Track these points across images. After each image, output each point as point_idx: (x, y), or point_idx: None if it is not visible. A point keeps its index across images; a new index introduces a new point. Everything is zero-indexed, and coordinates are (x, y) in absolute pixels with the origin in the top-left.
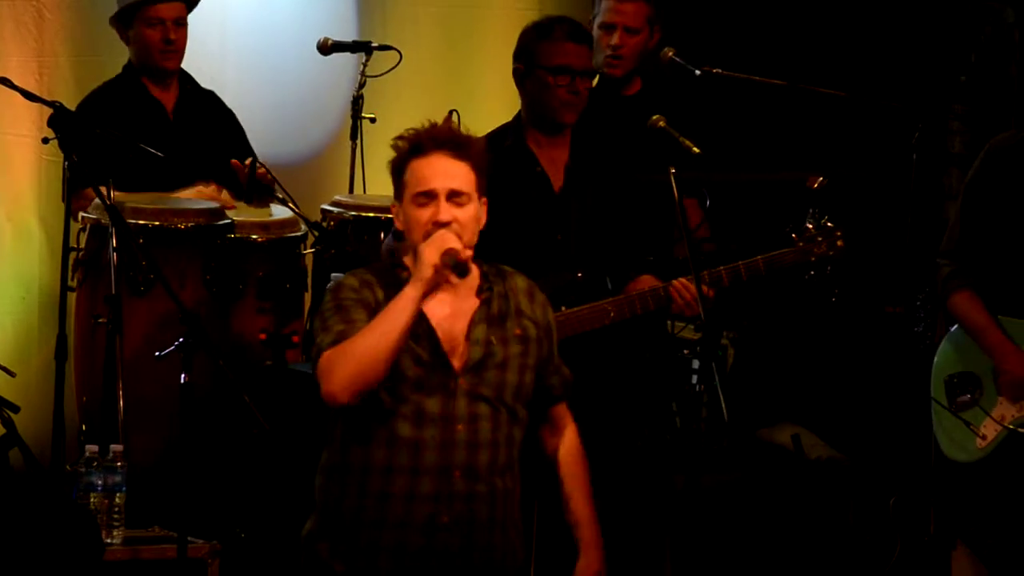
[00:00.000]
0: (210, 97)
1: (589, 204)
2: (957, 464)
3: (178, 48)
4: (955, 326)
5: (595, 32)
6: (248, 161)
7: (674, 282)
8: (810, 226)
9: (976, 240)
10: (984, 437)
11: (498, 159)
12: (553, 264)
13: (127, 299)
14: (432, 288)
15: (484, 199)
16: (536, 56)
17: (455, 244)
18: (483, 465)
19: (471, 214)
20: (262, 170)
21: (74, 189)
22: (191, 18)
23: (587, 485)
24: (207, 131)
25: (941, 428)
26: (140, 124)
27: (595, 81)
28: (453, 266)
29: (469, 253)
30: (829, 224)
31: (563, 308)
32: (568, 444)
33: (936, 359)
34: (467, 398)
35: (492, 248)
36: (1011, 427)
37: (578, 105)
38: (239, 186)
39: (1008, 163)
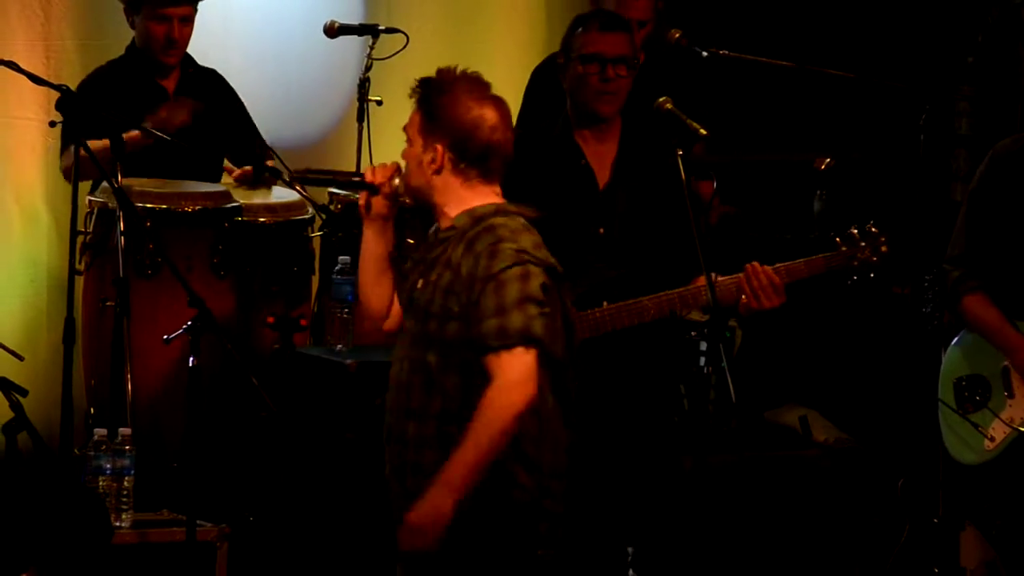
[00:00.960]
0: (212, 76)
1: (637, 198)
2: (965, 466)
3: (181, 47)
4: (962, 330)
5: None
6: (248, 169)
7: (748, 266)
8: (854, 231)
9: (982, 247)
10: (993, 439)
11: (544, 150)
12: (594, 258)
13: (135, 282)
14: (375, 221)
15: (438, 144)
16: (571, 47)
17: (371, 176)
18: (402, 407)
19: (411, 154)
20: (272, 162)
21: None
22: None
23: (466, 442)
24: (210, 111)
25: (949, 430)
26: (142, 106)
27: (635, 70)
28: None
29: (393, 187)
30: (874, 229)
31: (605, 303)
32: (482, 398)
33: (944, 362)
34: (408, 338)
35: None
36: (1021, 429)
37: (614, 95)
38: (247, 162)
39: (1012, 169)
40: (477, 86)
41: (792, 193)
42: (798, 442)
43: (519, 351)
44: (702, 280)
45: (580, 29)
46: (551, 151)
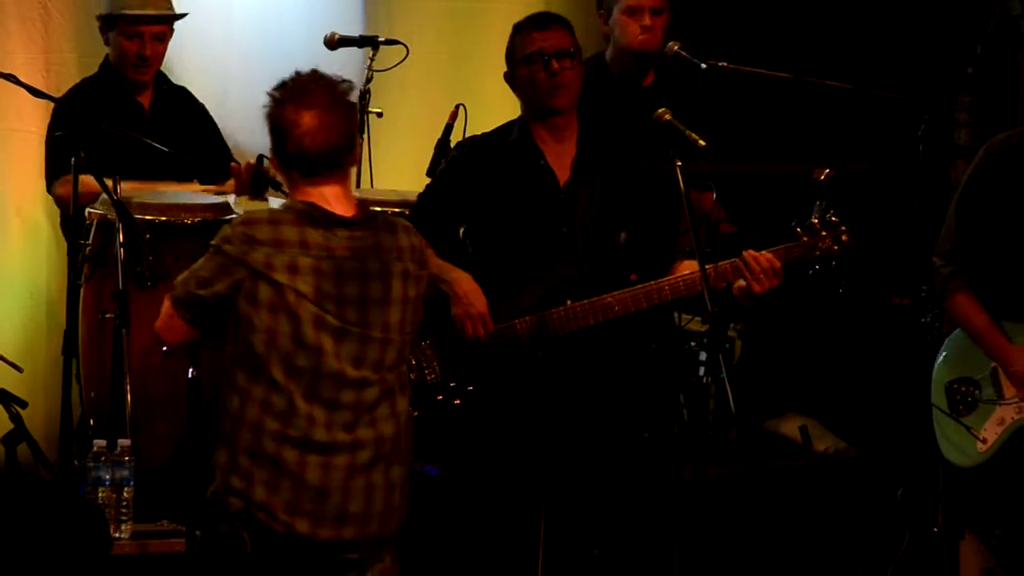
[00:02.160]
0: (183, 94)
1: (597, 197)
2: (960, 469)
3: (152, 64)
4: (952, 332)
5: (617, 20)
6: (250, 163)
7: (744, 253)
8: (815, 220)
9: (973, 242)
10: (985, 440)
11: (503, 153)
12: (559, 257)
13: (134, 294)
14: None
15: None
16: (513, 54)
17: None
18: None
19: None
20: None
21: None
22: (198, 13)
23: None
24: (183, 128)
25: (943, 434)
26: (119, 122)
27: (576, 61)
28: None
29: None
30: (834, 219)
31: (568, 302)
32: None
33: (936, 366)
34: None
35: (498, 240)
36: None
37: (565, 87)
38: (216, 177)
39: (1006, 165)
40: (306, 91)
41: (791, 204)
42: (798, 452)
43: (166, 301)
44: (675, 271)
45: (517, 34)
46: (511, 154)
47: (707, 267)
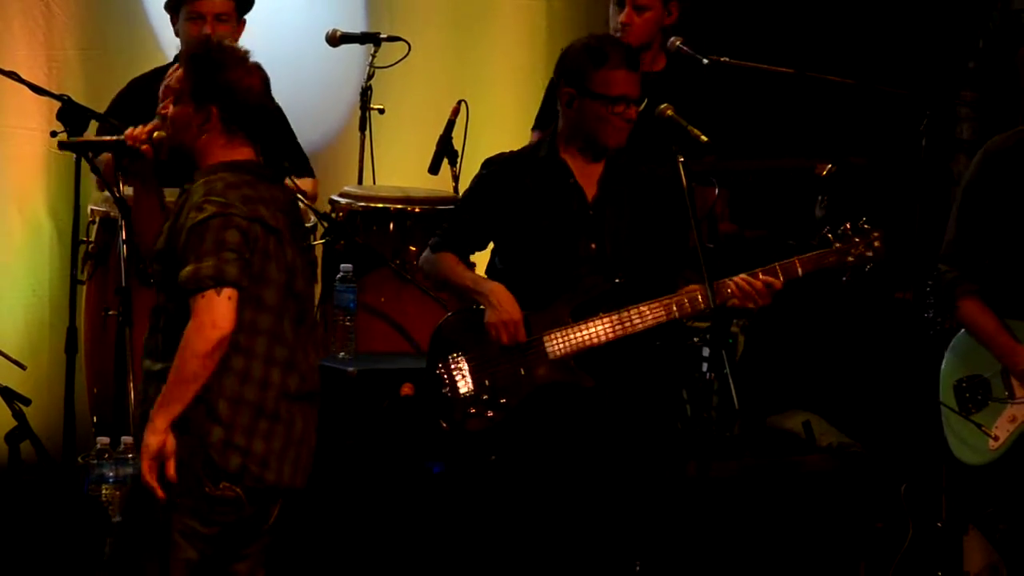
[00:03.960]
0: None
1: (625, 213)
2: (969, 467)
3: None
4: (960, 332)
5: (609, 6)
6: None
7: (738, 280)
8: (847, 227)
9: (975, 244)
10: (996, 438)
11: (531, 171)
12: (589, 273)
13: (137, 291)
14: (135, 179)
15: (206, 107)
16: (590, 83)
17: (130, 131)
18: (146, 345)
19: (181, 113)
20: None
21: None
22: None
23: (167, 383)
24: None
25: (952, 433)
26: None
27: (643, 106)
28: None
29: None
30: (866, 226)
31: (601, 314)
32: (182, 339)
33: (943, 365)
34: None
35: (527, 257)
36: None
37: (628, 131)
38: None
39: (1006, 166)
40: (244, 57)
41: (793, 199)
42: (801, 447)
43: (210, 295)
44: (691, 287)
45: (601, 66)
46: (539, 172)
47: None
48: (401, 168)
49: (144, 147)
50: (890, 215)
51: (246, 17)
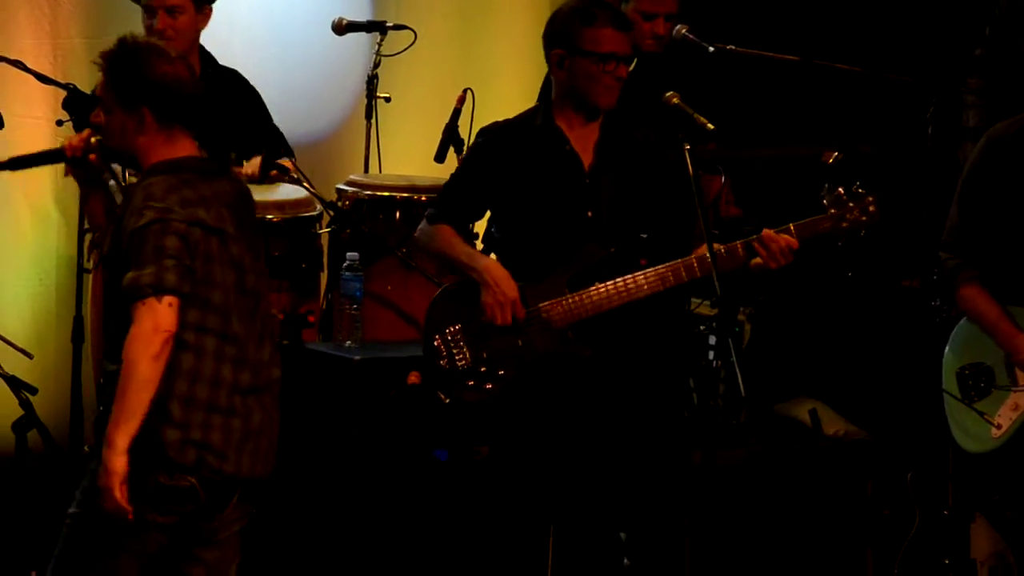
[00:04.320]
0: (233, 76)
1: (621, 180)
2: (973, 455)
3: (170, 37)
4: (962, 319)
5: (631, 14)
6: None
7: (764, 232)
8: (840, 191)
9: (977, 231)
10: (1000, 426)
11: (527, 139)
12: (585, 241)
13: None
14: (84, 186)
15: (138, 109)
16: (580, 42)
17: (69, 151)
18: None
19: (114, 120)
20: (285, 162)
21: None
22: None
23: (116, 397)
24: (231, 110)
25: (954, 421)
26: None
27: (632, 65)
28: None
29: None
30: (860, 190)
31: (597, 284)
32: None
33: (946, 354)
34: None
35: (524, 226)
36: None
37: (618, 90)
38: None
39: (1008, 153)
40: (163, 50)
41: (799, 187)
42: (808, 435)
43: (151, 302)
44: (700, 251)
45: (589, 24)
46: (535, 140)
47: (722, 247)
48: (407, 156)
49: (91, 156)
50: (896, 203)
51: (251, 6)
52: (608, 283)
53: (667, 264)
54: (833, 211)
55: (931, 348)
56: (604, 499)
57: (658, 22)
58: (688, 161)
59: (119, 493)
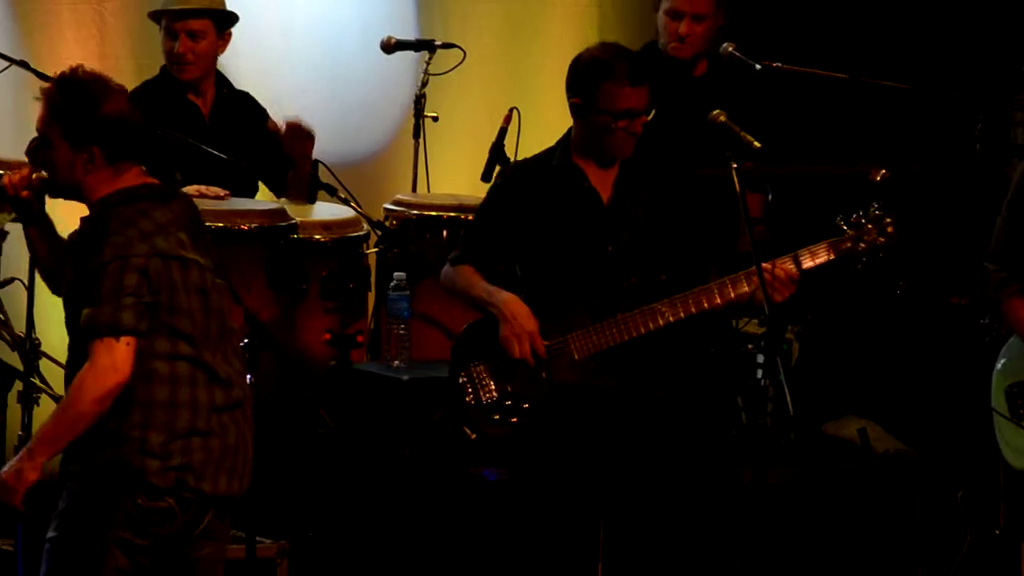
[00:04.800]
0: (245, 99)
1: (641, 213)
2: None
3: (190, 61)
4: (1012, 338)
5: (660, 16)
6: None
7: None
8: (860, 214)
9: (1022, 245)
10: None
11: (545, 178)
12: (606, 274)
13: None
14: (30, 224)
15: (87, 148)
16: (597, 96)
17: (11, 189)
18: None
19: (60, 157)
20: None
21: None
22: (254, 21)
23: (52, 416)
24: (243, 133)
25: (1004, 439)
26: (176, 126)
27: (651, 116)
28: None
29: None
30: (878, 212)
31: (619, 315)
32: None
33: (995, 370)
34: None
35: (545, 263)
36: None
37: (634, 141)
38: (280, 183)
39: None
40: (107, 84)
41: (847, 205)
42: (857, 454)
43: (109, 341)
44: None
45: (607, 79)
46: (554, 178)
47: (723, 281)
48: (454, 176)
49: (24, 193)
50: (945, 220)
51: (301, 26)
52: (629, 314)
53: (688, 292)
54: (851, 233)
55: (980, 366)
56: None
57: (684, 22)
58: (735, 179)
59: (20, 498)
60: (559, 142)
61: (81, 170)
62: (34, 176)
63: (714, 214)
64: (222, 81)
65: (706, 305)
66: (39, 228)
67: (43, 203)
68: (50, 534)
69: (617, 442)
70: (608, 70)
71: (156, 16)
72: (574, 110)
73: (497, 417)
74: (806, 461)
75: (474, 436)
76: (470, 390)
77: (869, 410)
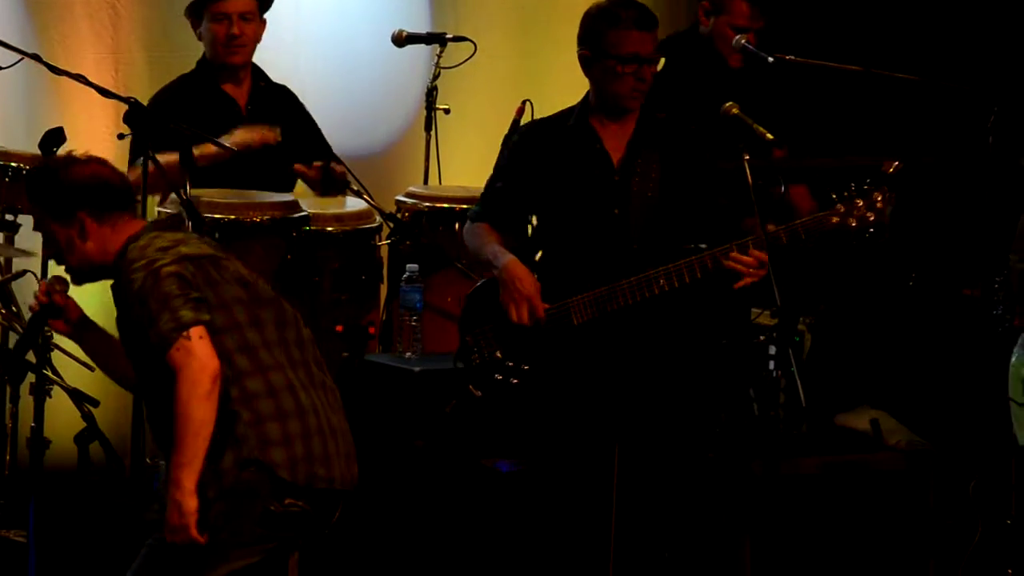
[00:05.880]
0: (283, 92)
1: (654, 175)
2: None
3: (244, 43)
4: None
5: (717, 24)
6: (317, 165)
7: (731, 255)
8: (851, 188)
9: None
10: None
11: (560, 138)
12: (609, 238)
13: None
14: (73, 333)
15: (73, 218)
16: (603, 43)
17: (46, 299)
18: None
19: (60, 242)
20: (341, 168)
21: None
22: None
23: (175, 441)
24: (281, 126)
25: (1021, 428)
26: (213, 119)
27: (660, 66)
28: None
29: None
30: (867, 186)
31: (621, 279)
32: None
33: (1012, 360)
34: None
35: (555, 223)
36: None
37: (644, 92)
38: (312, 181)
39: None
40: (70, 157)
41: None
42: (869, 445)
43: (182, 343)
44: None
45: (613, 26)
46: (568, 139)
47: (702, 257)
48: (466, 168)
49: (57, 299)
50: (958, 212)
51: (312, 19)
52: (631, 278)
53: (684, 260)
54: (841, 208)
55: (993, 357)
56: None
57: (748, 35)
58: (747, 171)
59: (195, 531)
60: (579, 103)
61: (80, 241)
62: (56, 284)
63: (725, 190)
64: (259, 74)
65: (699, 274)
66: (88, 334)
67: (76, 306)
68: (154, 539)
69: (613, 407)
70: (614, 18)
71: (196, 8)
72: (583, 63)
73: (500, 377)
74: (818, 452)
75: (479, 394)
76: (475, 350)
77: (881, 401)
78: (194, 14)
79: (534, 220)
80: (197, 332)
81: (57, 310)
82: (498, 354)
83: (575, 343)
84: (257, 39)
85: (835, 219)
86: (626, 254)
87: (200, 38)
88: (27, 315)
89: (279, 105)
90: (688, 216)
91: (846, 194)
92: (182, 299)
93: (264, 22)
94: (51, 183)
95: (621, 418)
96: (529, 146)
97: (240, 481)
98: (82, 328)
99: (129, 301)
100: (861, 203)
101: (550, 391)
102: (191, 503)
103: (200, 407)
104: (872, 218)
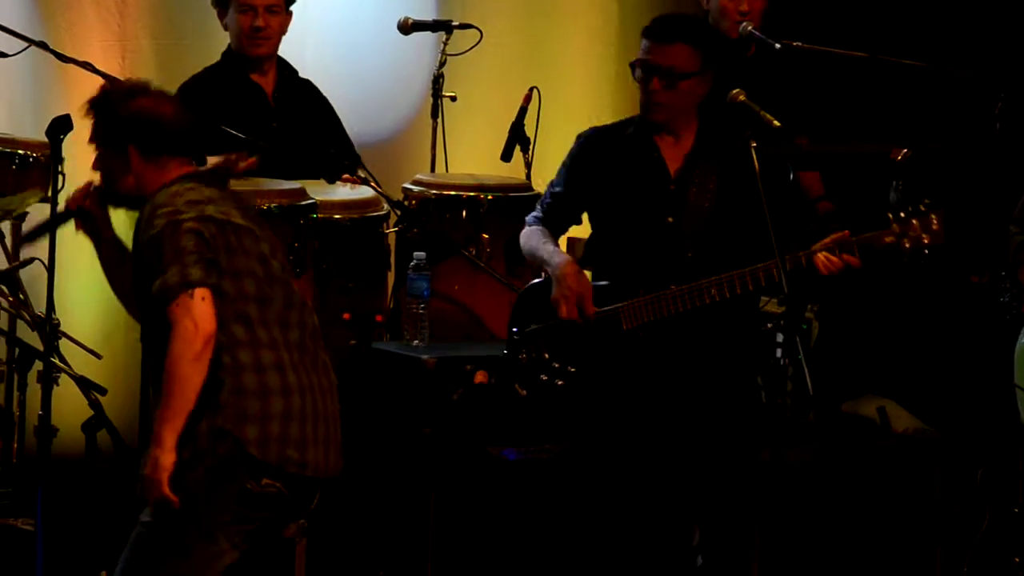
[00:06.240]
0: (307, 86)
1: (711, 187)
2: None
3: (269, 35)
4: None
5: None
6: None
7: (819, 256)
8: (909, 209)
9: None
10: None
11: (619, 146)
12: (663, 246)
13: None
14: (95, 236)
15: (123, 149)
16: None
17: (69, 199)
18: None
19: (104, 161)
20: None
21: None
22: None
23: (161, 395)
24: (307, 117)
25: None
26: (242, 109)
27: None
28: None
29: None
30: (923, 207)
31: (672, 287)
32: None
33: (1018, 345)
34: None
35: (610, 230)
36: None
37: (659, 106)
38: (335, 174)
39: None
40: (146, 87)
41: (868, 184)
42: (877, 433)
43: (183, 299)
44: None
45: (642, 34)
46: (627, 145)
47: (755, 270)
48: (473, 155)
49: (86, 203)
50: (965, 199)
51: (318, 6)
52: (683, 287)
53: (734, 272)
54: (897, 228)
55: (1000, 344)
56: (673, 495)
57: (754, 23)
58: (754, 158)
59: (166, 487)
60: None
61: (122, 171)
62: (91, 186)
63: (780, 200)
64: (284, 65)
65: (751, 286)
66: (103, 238)
67: (108, 219)
68: (144, 518)
69: (659, 411)
70: (646, 27)
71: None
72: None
73: (545, 378)
74: (826, 440)
75: (524, 393)
76: (523, 348)
77: (889, 389)
78: (220, 3)
79: (589, 228)
80: (201, 293)
81: (87, 215)
82: (546, 355)
83: (623, 348)
84: (283, 31)
85: (889, 238)
86: (680, 262)
87: (226, 28)
88: (34, 304)
89: (305, 97)
90: (744, 229)
91: (903, 215)
92: (195, 256)
93: (290, 14)
94: (108, 110)
95: (663, 424)
96: (588, 153)
97: (216, 456)
98: (103, 238)
99: (145, 241)
100: (917, 224)
101: (595, 395)
102: (167, 459)
103: (189, 367)
104: (927, 240)
